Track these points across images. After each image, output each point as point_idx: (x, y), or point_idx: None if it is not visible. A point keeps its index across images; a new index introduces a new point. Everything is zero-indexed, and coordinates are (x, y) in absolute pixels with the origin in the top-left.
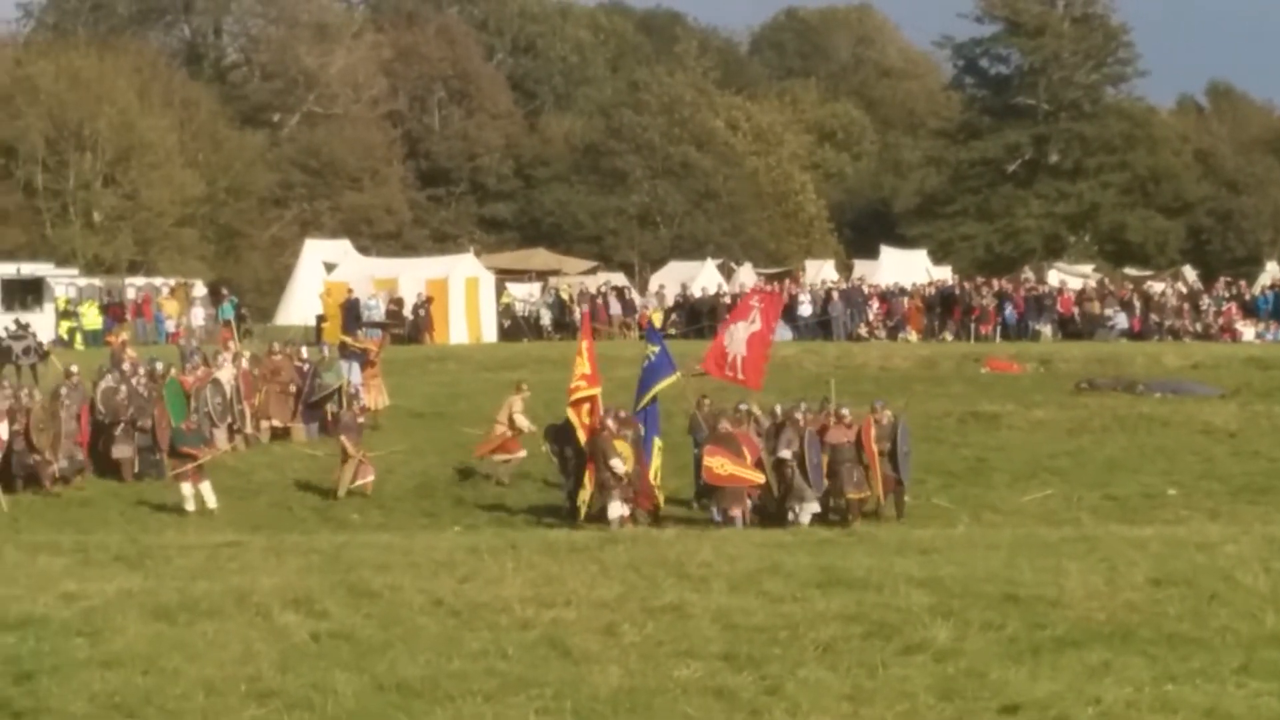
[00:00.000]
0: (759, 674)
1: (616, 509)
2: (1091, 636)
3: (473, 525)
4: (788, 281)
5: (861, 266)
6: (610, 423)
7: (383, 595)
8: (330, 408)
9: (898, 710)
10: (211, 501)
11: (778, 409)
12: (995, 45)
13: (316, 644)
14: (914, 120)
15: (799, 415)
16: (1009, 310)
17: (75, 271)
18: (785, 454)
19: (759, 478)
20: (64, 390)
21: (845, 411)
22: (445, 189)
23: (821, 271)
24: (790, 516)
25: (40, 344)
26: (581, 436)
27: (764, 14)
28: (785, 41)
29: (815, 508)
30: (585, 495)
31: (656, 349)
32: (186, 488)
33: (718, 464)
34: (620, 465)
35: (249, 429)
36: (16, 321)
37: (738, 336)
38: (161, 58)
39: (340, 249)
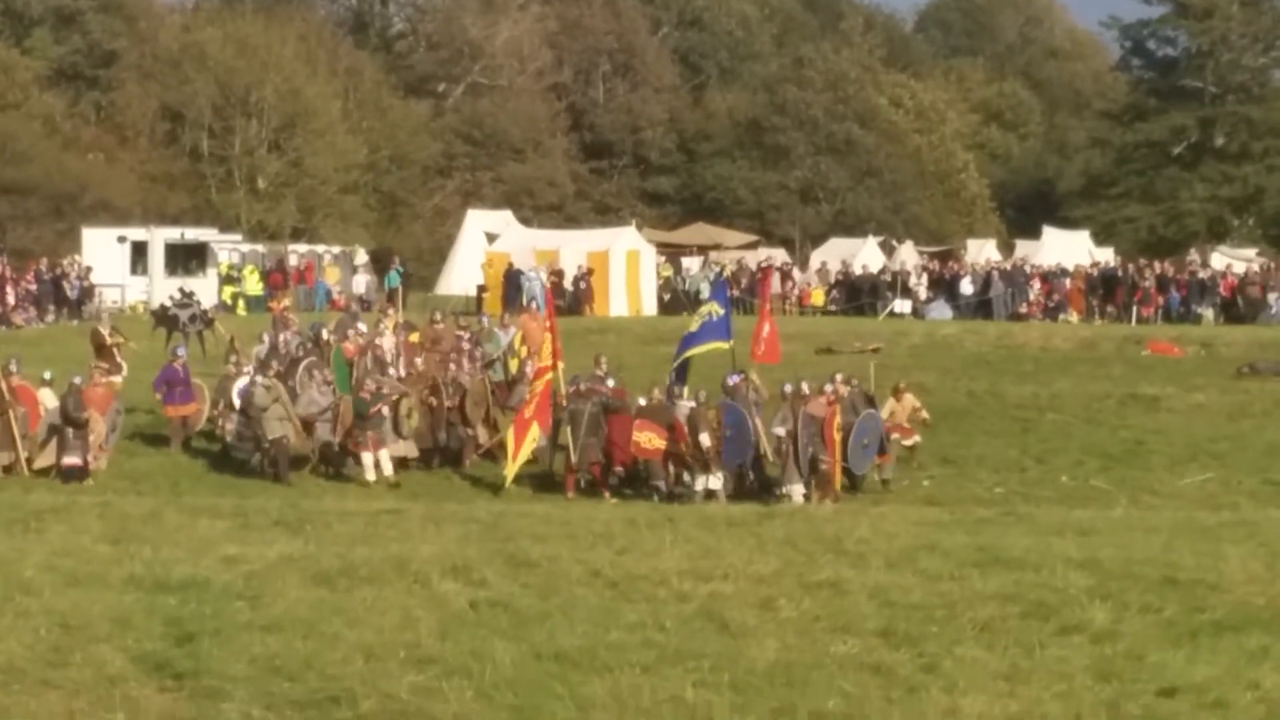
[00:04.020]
0: (916, 651)
1: (701, 482)
2: (1250, 621)
3: (629, 497)
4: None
5: (1024, 247)
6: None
7: (541, 565)
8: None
9: (1055, 691)
10: (389, 469)
11: (787, 386)
12: (1163, 27)
13: (475, 612)
14: (1079, 101)
15: (788, 390)
16: (1171, 293)
17: (239, 237)
18: (779, 431)
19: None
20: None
21: (829, 388)
22: (608, 162)
23: (983, 251)
24: (781, 491)
25: (205, 311)
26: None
27: None
28: (951, 20)
29: (800, 489)
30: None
31: (721, 311)
32: (367, 456)
33: (645, 438)
34: (707, 440)
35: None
36: (181, 290)
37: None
38: (327, 26)
39: (502, 220)
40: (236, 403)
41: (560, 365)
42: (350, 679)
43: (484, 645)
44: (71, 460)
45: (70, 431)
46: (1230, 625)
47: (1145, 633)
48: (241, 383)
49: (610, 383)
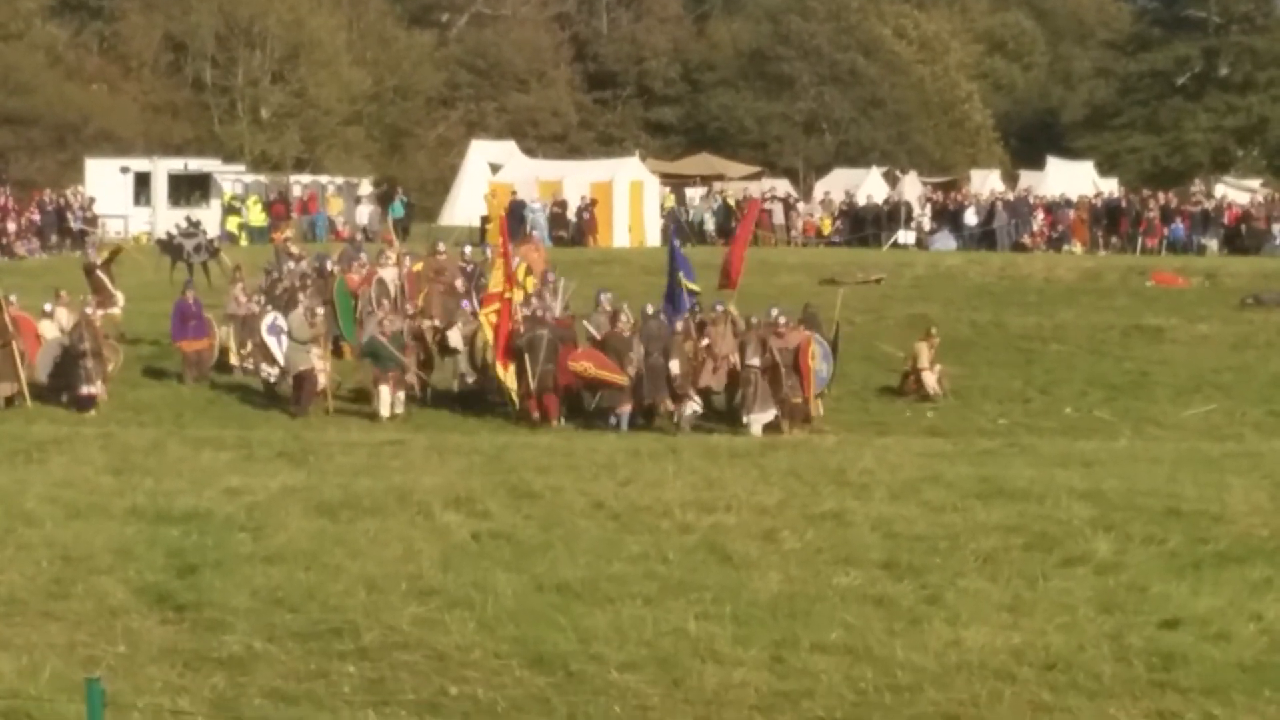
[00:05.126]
0: (919, 583)
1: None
2: (1254, 552)
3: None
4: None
5: (1027, 177)
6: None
7: (544, 496)
8: None
9: (1058, 622)
10: (399, 408)
11: (755, 318)
12: None
13: (477, 544)
14: (1083, 31)
15: (755, 321)
16: (1175, 224)
17: (242, 168)
18: (754, 361)
19: (620, 379)
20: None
21: (783, 319)
22: (611, 92)
23: (987, 181)
24: (745, 421)
25: (211, 241)
26: (490, 338)
27: None
28: None
29: (769, 417)
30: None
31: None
32: (385, 391)
33: (581, 368)
34: (676, 367)
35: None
36: (188, 219)
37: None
38: None
39: (506, 150)
40: (269, 341)
41: (516, 291)
42: (352, 610)
43: (486, 577)
44: (89, 389)
45: (86, 361)
46: (1233, 557)
47: (1148, 564)
48: (269, 319)
49: (556, 312)
